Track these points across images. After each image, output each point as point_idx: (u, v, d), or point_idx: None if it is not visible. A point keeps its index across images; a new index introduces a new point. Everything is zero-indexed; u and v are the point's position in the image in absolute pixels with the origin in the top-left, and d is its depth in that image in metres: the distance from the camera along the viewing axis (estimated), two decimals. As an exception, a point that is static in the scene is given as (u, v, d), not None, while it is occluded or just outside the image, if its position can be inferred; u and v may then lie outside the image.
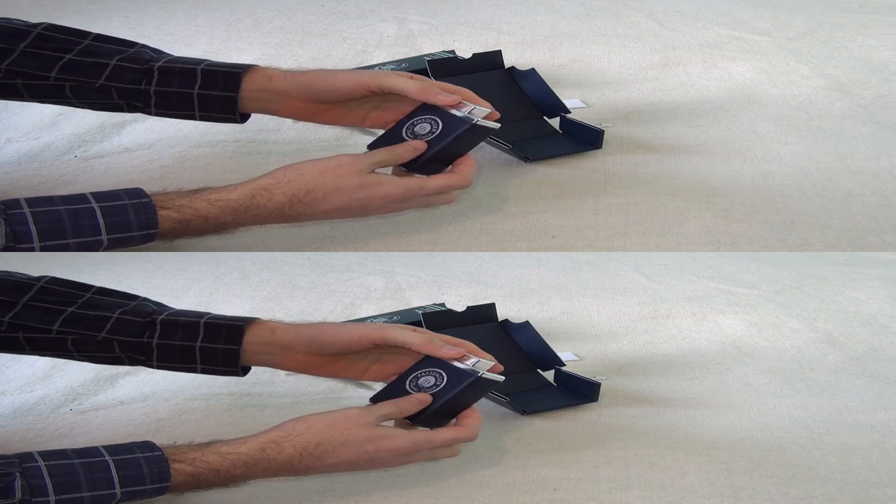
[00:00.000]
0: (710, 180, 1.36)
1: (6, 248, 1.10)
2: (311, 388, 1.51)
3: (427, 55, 1.58)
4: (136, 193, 1.17)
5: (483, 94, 1.31)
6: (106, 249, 1.16)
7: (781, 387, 1.51)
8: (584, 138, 1.44)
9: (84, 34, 1.27)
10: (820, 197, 1.33)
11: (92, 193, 1.16)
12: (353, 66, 1.58)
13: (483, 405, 1.42)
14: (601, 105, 1.55)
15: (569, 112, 1.45)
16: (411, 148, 1.23)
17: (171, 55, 1.27)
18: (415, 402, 1.20)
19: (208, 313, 1.25)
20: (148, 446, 1.14)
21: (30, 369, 1.58)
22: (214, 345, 1.23)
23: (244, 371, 1.24)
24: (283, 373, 1.55)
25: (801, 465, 1.27)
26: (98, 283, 1.30)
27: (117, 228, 1.15)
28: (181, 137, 1.47)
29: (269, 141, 1.47)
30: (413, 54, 1.60)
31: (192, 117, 1.26)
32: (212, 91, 1.23)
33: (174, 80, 1.24)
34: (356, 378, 1.26)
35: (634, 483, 1.23)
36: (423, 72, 1.47)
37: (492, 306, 1.53)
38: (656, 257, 2.05)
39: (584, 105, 1.54)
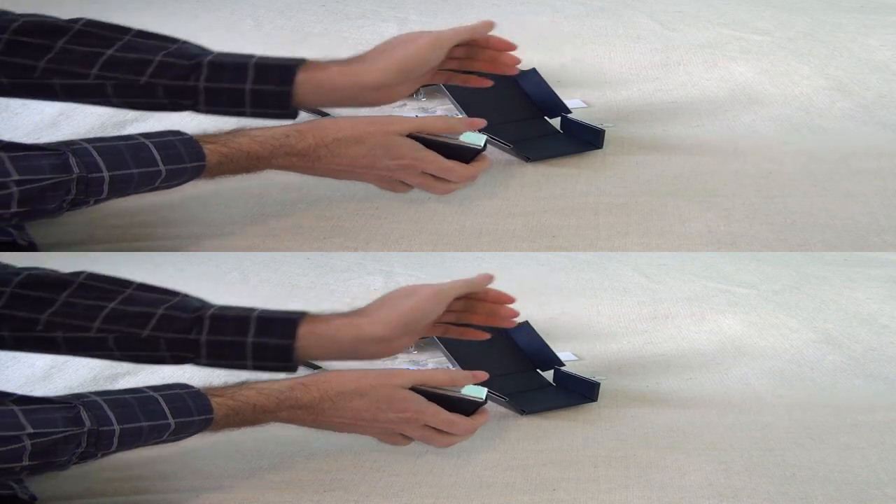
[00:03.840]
0: (711, 180, 1.36)
1: (80, 179, 1.10)
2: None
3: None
4: (177, 132, 1.18)
5: (484, 93, 1.32)
6: (163, 182, 1.16)
7: (781, 387, 1.51)
8: (585, 138, 1.44)
9: (126, 30, 1.24)
10: (821, 197, 1.33)
11: (139, 133, 1.16)
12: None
13: (483, 405, 1.42)
14: (602, 105, 1.55)
15: (570, 112, 1.45)
16: (469, 121, 1.23)
17: (215, 51, 1.23)
18: (446, 375, 1.20)
19: (259, 308, 1.23)
20: (184, 385, 1.16)
21: (29, 369, 1.58)
22: (267, 339, 1.19)
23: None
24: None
25: (800, 465, 1.27)
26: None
27: (172, 160, 1.16)
28: (181, 137, 1.47)
29: (269, 140, 1.47)
30: (413, 54, 1.60)
31: (244, 114, 1.22)
32: (265, 86, 1.20)
33: (225, 76, 1.20)
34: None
35: (634, 483, 1.23)
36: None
37: (492, 306, 1.53)
38: (656, 257, 2.05)
39: (584, 105, 1.54)
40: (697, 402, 1.46)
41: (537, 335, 1.51)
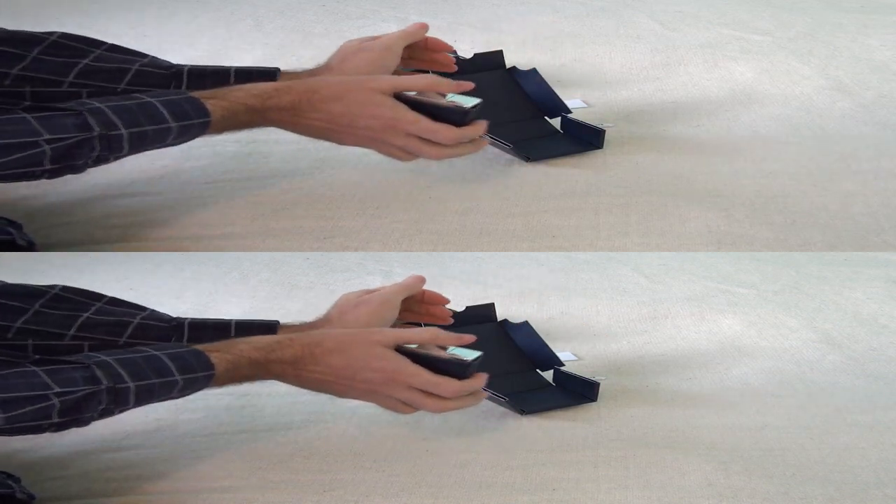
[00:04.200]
0: (712, 180, 1.36)
1: (101, 136, 1.13)
2: (311, 388, 1.51)
3: (427, 55, 1.58)
4: (179, 91, 1.21)
5: (484, 94, 1.32)
6: (174, 139, 1.19)
7: (780, 387, 1.51)
8: (586, 138, 1.44)
9: (99, 43, 1.28)
10: (821, 197, 1.33)
11: (142, 94, 1.19)
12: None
13: (482, 405, 1.42)
14: (602, 105, 1.55)
15: (570, 112, 1.45)
16: (455, 83, 1.24)
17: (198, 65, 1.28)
18: (429, 333, 1.22)
19: (233, 319, 1.29)
20: (180, 344, 1.20)
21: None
22: None
23: None
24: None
25: (800, 465, 1.27)
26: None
27: (180, 116, 1.18)
28: (181, 136, 1.47)
29: (269, 141, 1.47)
30: (413, 54, 1.60)
31: None
32: None
33: (206, 82, 1.25)
34: None
35: (633, 483, 1.23)
36: (424, 71, 1.47)
37: (491, 306, 1.53)
38: (655, 257, 2.05)
39: (585, 105, 1.54)
40: (697, 402, 1.46)
41: (537, 335, 1.51)
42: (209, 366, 1.17)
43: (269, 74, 1.27)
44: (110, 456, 1.32)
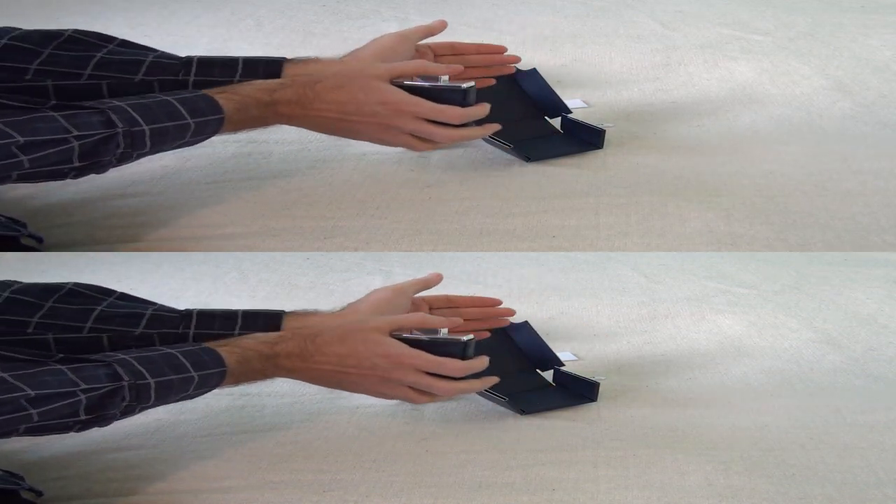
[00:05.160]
0: (712, 180, 1.36)
1: (125, 133, 1.14)
2: (311, 388, 1.50)
3: (427, 55, 1.58)
4: (189, 91, 1.22)
5: (485, 94, 1.32)
6: (192, 136, 1.20)
7: (780, 387, 1.51)
8: (586, 138, 1.44)
9: (111, 38, 1.29)
10: (821, 197, 1.33)
11: (159, 92, 1.21)
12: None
13: (482, 405, 1.42)
14: (602, 105, 1.55)
15: (570, 112, 1.45)
16: (445, 67, 1.26)
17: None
18: (418, 317, 1.25)
19: (240, 309, 1.30)
20: (190, 344, 1.21)
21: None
22: (253, 331, 1.26)
23: None
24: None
25: (799, 465, 1.27)
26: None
27: (196, 113, 1.20)
28: (181, 136, 1.47)
29: (269, 141, 1.47)
30: (414, 54, 1.60)
31: None
32: (255, 78, 1.26)
33: (214, 70, 1.27)
34: None
35: (633, 483, 1.23)
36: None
37: (492, 306, 1.53)
38: (655, 257, 2.05)
39: (585, 105, 1.54)
40: (697, 402, 1.46)
41: (537, 335, 1.51)
42: (221, 362, 1.19)
43: (275, 63, 1.28)
44: (110, 456, 1.32)
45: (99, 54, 1.26)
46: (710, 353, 1.64)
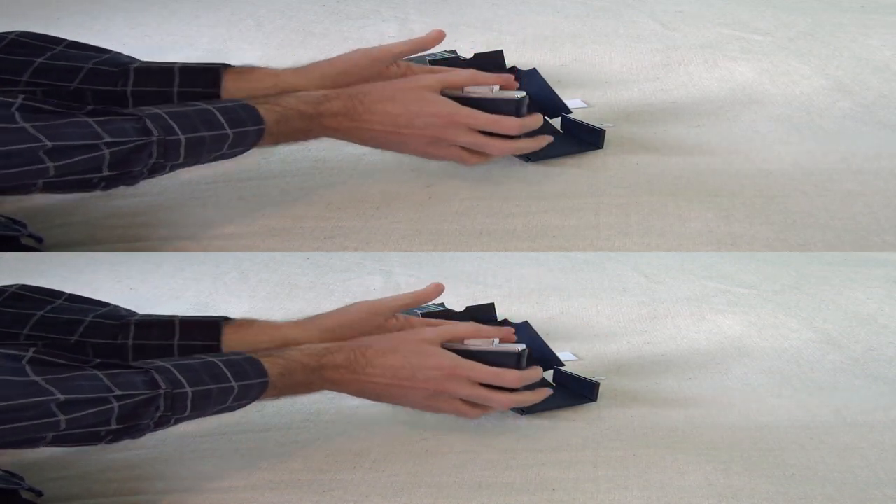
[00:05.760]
0: (712, 180, 1.36)
1: (159, 142, 1.11)
2: (311, 388, 1.51)
3: (429, 55, 1.58)
4: (231, 100, 1.19)
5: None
6: (230, 148, 1.17)
7: (780, 387, 1.51)
8: (586, 138, 1.44)
9: (58, 41, 1.26)
10: (821, 197, 1.33)
11: (199, 101, 1.18)
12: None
13: (483, 405, 1.42)
14: (602, 105, 1.55)
15: (570, 112, 1.45)
16: (496, 76, 1.22)
17: (148, 62, 1.26)
18: (472, 327, 1.23)
19: (178, 316, 1.27)
20: (236, 352, 1.19)
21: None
22: (192, 342, 1.24)
23: None
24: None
25: (799, 465, 1.27)
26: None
27: (236, 123, 1.17)
28: (181, 136, 1.47)
29: (269, 140, 1.47)
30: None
31: None
32: (193, 89, 1.23)
33: (152, 80, 1.23)
34: None
35: (633, 483, 1.23)
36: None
37: (491, 306, 1.53)
38: (655, 257, 2.05)
39: (585, 105, 1.54)
40: (697, 402, 1.46)
41: (537, 335, 1.51)
42: (263, 373, 1.17)
43: (213, 71, 1.24)
44: (110, 456, 1.32)
45: (39, 60, 1.22)
46: (710, 353, 1.64)
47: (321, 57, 1.34)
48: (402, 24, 1.66)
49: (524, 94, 1.20)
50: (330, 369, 1.21)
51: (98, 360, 1.08)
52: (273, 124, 1.20)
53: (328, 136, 1.24)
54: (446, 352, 1.21)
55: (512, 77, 1.24)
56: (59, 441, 1.03)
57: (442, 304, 1.70)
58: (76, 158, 1.07)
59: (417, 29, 1.77)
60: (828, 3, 1.89)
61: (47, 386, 1.02)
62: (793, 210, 1.31)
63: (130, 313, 1.27)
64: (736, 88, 1.59)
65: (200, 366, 1.13)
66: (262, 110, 1.19)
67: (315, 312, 1.35)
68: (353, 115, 1.22)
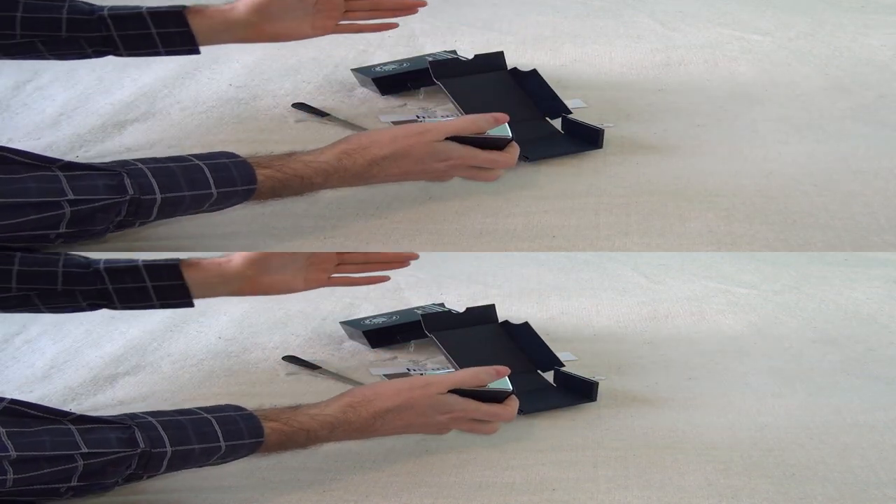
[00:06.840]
0: (712, 180, 1.36)
1: (132, 201, 1.11)
2: (311, 388, 1.51)
3: (429, 55, 1.58)
4: (231, 154, 1.20)
5: (485, 94, 1.32)
6: (212, 206, 1.18)
7: (780, 387, 1.51)
8: (586, 138, 1.44)
9: None
10: (821, 197, 1.33)
11: (192, 155, 1.18)
12: (354, 65, 1.58)
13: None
14: (602, 105, 1.55)
15: (570, 112, 1.45)
16: (491, 118, 1.27)
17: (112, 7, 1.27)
18: (472, 373, 1.25)
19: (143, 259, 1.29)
20: (235, 407, 1.18)
21: (29, 369, 1.58)
22: (161, 283, 1.27)
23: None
24: (282, 373, 1.55)
25: (799, 465, 1.27)
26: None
27: (224, 182, 1.17)
28: (182, 137, 1.47)
29: (269, 141, 1.47)
30: (415, 54, 1.60)
31: (159, 54, 1.28)
32: (167, 29, 1.26)
33: (130, 25, 1.25)
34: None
35: (633, 483, 1.23)
36: (424, 72, 1.47)
37: (491, 307, 1.53)
38: (655, 257, 2.05)
39: (585, 105, 1.54)
40: (697, 402, 1.46)
41: (537, 336, 1.51)
42: (259, 433, 1.17)
43: (177, 13, 1.26)
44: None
45: (19, 14, 1.23)
46: (709, 353, 1.64)
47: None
48: (403, 24, 1.65)
49: (508, 130, 1.28)
50: (341, 432, 1.21)
51: (75, 414, 1.07)
52: (266, 190, 1.21)
53: (328, 190, 1.27)
54: (456, 398, 1.23)
55: (506, 117, 1.29)
56: (10, 496, 1.03)
57: (442, 305, 1.70)
58: (35, 216, 1.07)
59: (417, 29, 1.77)
60: (828, 3, 1.88)
61: (6, 441, 1.01)
62: (793, 210, 1.31)
63: (87, 259, 1.27)
64: (736, 88, 1.59)
65: (190, 423, 1.13)
66: (262, 174, 1.20)
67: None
68: (367, 175, 1.25)
